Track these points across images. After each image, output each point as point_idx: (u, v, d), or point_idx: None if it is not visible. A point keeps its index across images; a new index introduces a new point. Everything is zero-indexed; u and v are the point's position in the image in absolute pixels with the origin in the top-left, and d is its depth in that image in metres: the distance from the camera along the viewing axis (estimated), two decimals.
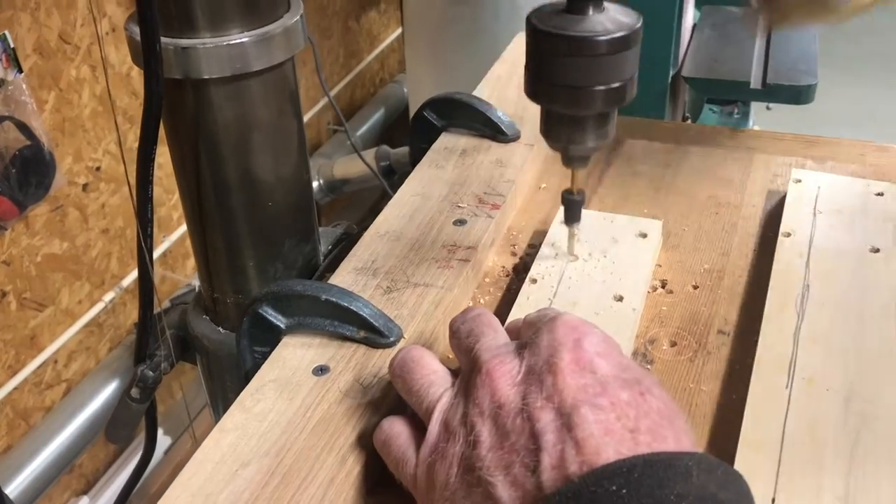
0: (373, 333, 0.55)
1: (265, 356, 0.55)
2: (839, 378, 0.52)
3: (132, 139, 1.78)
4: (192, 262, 2.05)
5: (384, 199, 0.70)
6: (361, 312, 0.54)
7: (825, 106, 3.04)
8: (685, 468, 0.36)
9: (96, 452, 1.87)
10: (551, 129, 0.57)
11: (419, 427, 0.46)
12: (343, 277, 0.61)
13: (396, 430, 0.47)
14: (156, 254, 1.90)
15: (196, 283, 0.72)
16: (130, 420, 0.73)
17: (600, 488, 0.36)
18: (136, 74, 1.77)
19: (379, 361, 0.54)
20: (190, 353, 0.73)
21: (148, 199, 0.60)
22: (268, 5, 0.59)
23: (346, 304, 0.54)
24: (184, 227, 1.98)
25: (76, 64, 1.61)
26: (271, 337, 0.56)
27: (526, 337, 0.45)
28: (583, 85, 0.52)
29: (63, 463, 1.68)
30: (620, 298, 0.62)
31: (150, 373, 0.70)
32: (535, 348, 0.43)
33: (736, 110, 2.07)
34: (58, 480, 1.70)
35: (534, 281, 0.63)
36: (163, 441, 1.92)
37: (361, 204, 2.62)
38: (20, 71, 1.46)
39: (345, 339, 0.56)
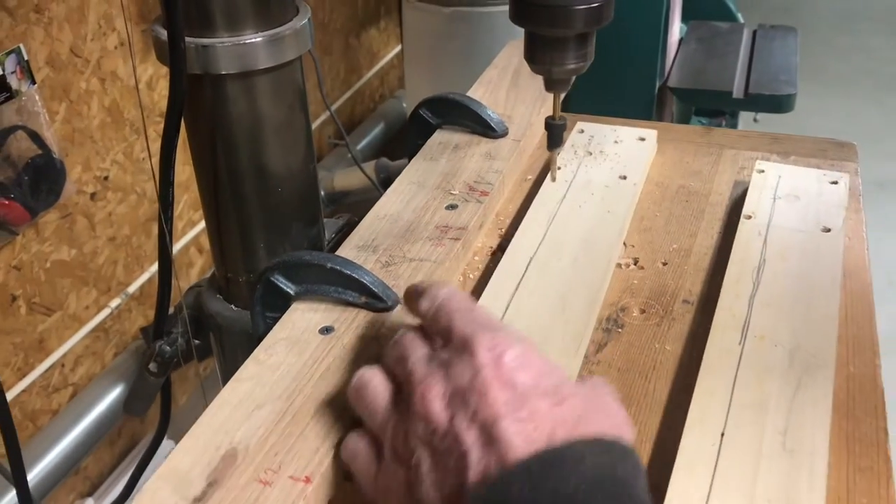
0: (373, 299, 0.61)
1: (276, 321, 0.62)
2: (787, 336, 0.58)
3: (139, 149, 1.83)
4: (195, 271, 2.10)
5: None
6: (363, 280, 0.61)
7: (814, 120, 3.11)
8: (578, 455, 0.40)
9: (101, 455, 1.90)
10: (535, 52, 0.61)
11: (377, 442, 0.49)
12: (346, 253, 0.67)
13: (359, 446, 0.50)
14: None
15: None
16: (148, 393, 0.79)
17: (507, 492, 0.39)
18: (144, 87, 1.83)
19: (377, 323, 0.60)
20: (204, 332, 0.79)
21: (169, 184, 0.66)
22: (279, 9, 0.66)
23: (349, 272, 0.60)
24: (187, 238, 2.03)
25: (86, 77, 1.67)
26: (282, 303, 0.62)
27: (450, 352, 0.47)
28: (563, 4, 0.57)
29: (69, 465, 1.71)
30: (624, 177, 0.79)
31: (168, 348, 0.76)
32: (461, 369, 0.46)
33: (724, 122, 2.13)
34: (64, 482, 1.74)
35: (559, 168, 0.80)
36: (166, 445, 1.97)
37: (361, 215, 2.68)
38: (33, 82, 1.52)
39: (348, 304, 0.62)
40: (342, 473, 0.52)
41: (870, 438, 0.52)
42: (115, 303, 1.84)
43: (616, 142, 0.84)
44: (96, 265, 1.78)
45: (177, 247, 1.98)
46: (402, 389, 0.49)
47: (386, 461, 0.47)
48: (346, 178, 2.34)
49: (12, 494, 1.51)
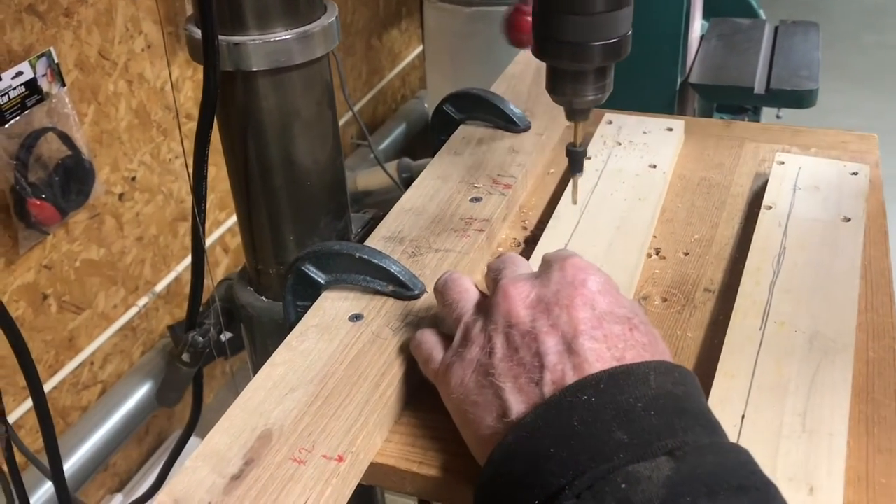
0: (400, 287, 0.63)
1: (306, 310, 0.63)
2: (806, 322, 0.59)
3: (165, 150, 1.86)
4: (221, 270, 2.13)
5: None
6: (390, 269, 0.62)
7: (839, 117, 3.09)
8: (643, 374, 0.45)
9: (129, 452, 1.93)
10: (556, 84, 0.64)
11: (446, 337, 0.55)
12: (374, 243, 0.69)
13: (427, 336, 0.56)
14: (188, 260, 1.97)
15: None
16: (181, 383, 0.81)
17: (575, 398, 0.45)
18: (171, 89, 1.86)
19: (405, 311, 0.62)
20: (235, 323, 0.81)
21: (203, 177, 0.68)
22: (307, 7, 0.68)
23: (377, 262, 0.62)
24: (213, 237, 2.06)
25: (114, 79, 1.70)
26: (312, 292, 0.64)
27: (541, 270, 0.54)
28: (584, 41, 0.59)
29: (98, 461, 1.74)
30: (654, 166, 0.81)
31: (200, 338, 0.78)
32: (547, 281, 0.51)
33: (746, 118, 2.13)
34: (93, 478, 1.77)
35: (588, 158, 0.81)
36: (194, 443, 1.99)
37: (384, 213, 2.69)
38: (63, 85, 1.55)
39: (376, 292, 0.64)
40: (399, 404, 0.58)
41: (889, 421, 0.53)
42: (142, 301, 1.87)
43: (645, 132, 0.86)
44: (124, 264, 1.81)
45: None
46: (490, 294, 0.54)
47: (454, 347, 0.53)
48: (369, 177, 2.36)
49: (46, 487, 1.54)
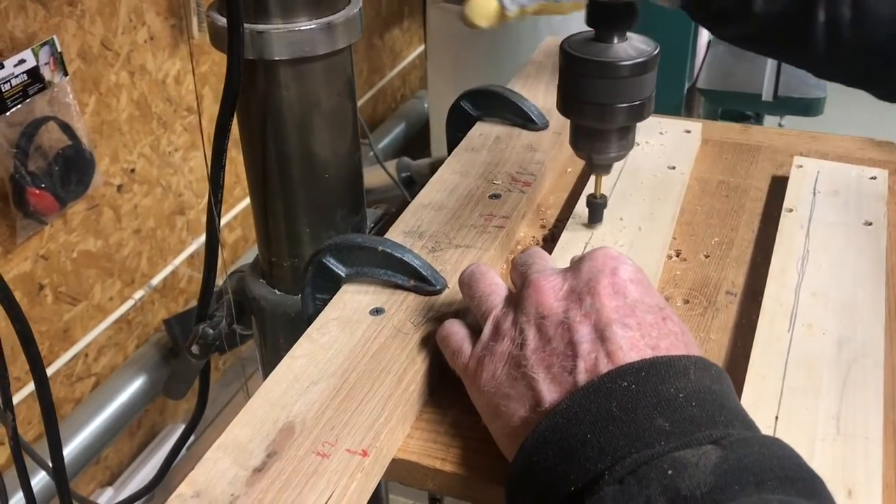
0: (422, 282, 0.62)
1: (325, 303, 0.62)
2: (834, 325, 0.59)
3: (165, 143, 1.85)
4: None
5: (404, 208, 0.78)
6: (413, 263, 0.62)
7: (839, 127, 3.09)
8: (683, 367, 0.45)
9: (121, 446, 1.92)
10: (579, 140, 0.66)
11: (473, 330, 0.55)
12: (393, 238, 0.68)
13: (455, 328, 0.55)
14: (185, 254, 1.97)
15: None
16: (189, 376, 0.80)
17: (614, 384, 0.44)
18: (172, 82, 1.85)
19: (426, 306, 0.61)
20: (246, 316, 0.80)
21: (221, 167, 0.67)
22: None
23: (399, 256, 0.61)
24: None
25: (116, 70, 1.69)
26: (332, 285, 0.63)
27: (571, 266, 0.53)
28: (608, 102, 0.61)
29: (91, 454, 1.73)
30: (673, 167, 0.80)
31: (210, 331, 0.77)
32: (577, 272, 0.51)
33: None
34: (84, 471, 1.76)
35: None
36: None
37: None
38: (65, 74, 1.53)
39: (397, 286, 0.63)
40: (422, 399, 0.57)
41: None
42: (138, 294, 1.86)
43: (661, 133, 0.86)
44: (121, 257, 1.79)
45: (201, 240, 2.00)
46: (517, 288, 0.54)
47: (484, 340, 0.52)
48: (368, 176, 2.33)
49: (39, 477, 1.52)
